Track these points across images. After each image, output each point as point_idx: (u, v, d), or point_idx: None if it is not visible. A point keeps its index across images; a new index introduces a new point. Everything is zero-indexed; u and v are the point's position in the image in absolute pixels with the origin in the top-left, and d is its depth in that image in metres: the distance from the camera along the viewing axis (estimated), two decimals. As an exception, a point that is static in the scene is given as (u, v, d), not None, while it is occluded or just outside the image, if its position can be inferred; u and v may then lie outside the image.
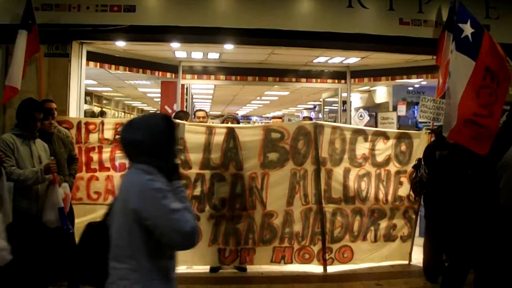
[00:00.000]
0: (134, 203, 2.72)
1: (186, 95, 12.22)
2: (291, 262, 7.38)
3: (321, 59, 10.94)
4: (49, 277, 5.73)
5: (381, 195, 7.56)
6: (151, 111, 8.35)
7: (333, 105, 15.30)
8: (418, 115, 8.26)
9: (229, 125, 7.50)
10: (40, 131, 5.83)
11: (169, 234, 2.69)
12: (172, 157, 3.00)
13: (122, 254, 2.78)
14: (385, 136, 7.60)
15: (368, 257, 7.62)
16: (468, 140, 5.89)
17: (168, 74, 11.08)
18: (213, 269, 7.21)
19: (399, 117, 12.55)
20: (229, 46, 9.28)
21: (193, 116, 11.79)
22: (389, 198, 7.59)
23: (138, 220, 2.71)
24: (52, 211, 5.44)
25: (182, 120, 7.41)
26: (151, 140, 2.84)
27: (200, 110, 9.11)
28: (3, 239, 3.92)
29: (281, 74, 11.80)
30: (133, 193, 2.75)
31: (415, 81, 12.51)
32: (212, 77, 11.61)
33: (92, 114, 15.82)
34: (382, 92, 14.45)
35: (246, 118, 37.76)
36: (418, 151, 7.47)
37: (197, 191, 7.06)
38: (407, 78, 11.15)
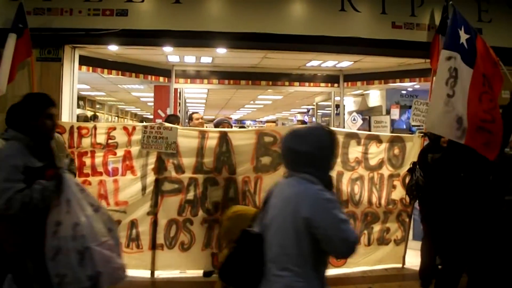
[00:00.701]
0: (306, 212, 2.82)
1: (179, 99, 12.21)
2: (285, 266, 7.34)
3: (314, 63, 10.95)
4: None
5: (374, 199, 7.55)
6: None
7: (326, 109, 15.33)
8: (411, 118, 8.27)
9: (222, 129, 7.50)
10: None
11: (337, 243, 2.82)
12: (331, 168, 3.12)
13: (288, 262, 2.88)
14: (378, 139, 7.60)
15: (362, 261, 7.58)
16: (480, 146, 5.87)
17: (161, 78, 11.06)
18: (206, 274, 7.17)
19: (392, 121, 12.58)
20: (221, 50, 9.27)
21: (186, 119, 11.80)
22: (382, 201, 7.58)
23: (308, 229, 2.83)
24: None
25: (173, 124, 7.40)
26: (319, 152, 2.96)
27: (196, 112, 9.14)
28: (118, 255, 3.87)
29: (274, 78, 11.81)
30: (305, 202, 2.85)
31: (408, 85, 12.55)
32: (205, 81, 11.60)
33: (86, 119, 15.79)
34: (375, 96, 14.48)
35: (240, 122, 37.79)
36: (411, 155, 7.48)
37: (190, 195, 7.04)
38: (400, 82, 11.16)
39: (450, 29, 6.73)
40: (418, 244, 7.38)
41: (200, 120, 8.63)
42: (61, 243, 3.57)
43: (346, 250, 2.87)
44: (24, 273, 3.66)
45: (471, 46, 6.46)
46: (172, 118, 8.19)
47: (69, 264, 3.52)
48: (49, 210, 3.65)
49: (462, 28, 6.60)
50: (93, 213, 3.82)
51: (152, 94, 12.21)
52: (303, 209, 2.83)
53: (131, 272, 7.00)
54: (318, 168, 2.96)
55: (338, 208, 2.89)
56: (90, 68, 9.24)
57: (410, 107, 10.65)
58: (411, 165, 7.14)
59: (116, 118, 25.46)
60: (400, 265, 7.74)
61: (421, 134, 7.66)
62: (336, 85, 11.88)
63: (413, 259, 7.60)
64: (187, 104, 20.09)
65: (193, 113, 9.07)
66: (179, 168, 7.03)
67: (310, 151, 2.93)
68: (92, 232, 3.69)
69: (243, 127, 14.17)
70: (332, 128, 3.12)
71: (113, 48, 8.92)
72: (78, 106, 13.60)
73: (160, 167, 7.01)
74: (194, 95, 17.92)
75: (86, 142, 6.99)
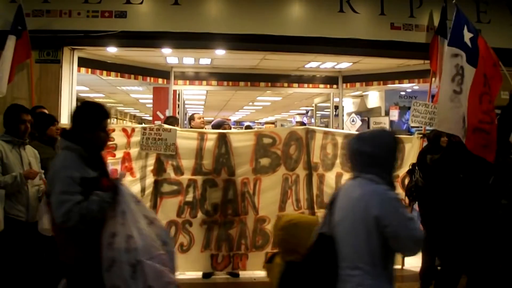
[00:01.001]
0: (376, 211, 2.93)
1: (178, 100, 12.22)
2: (284, 268, 7.33)
3: (313, 64, 10.96)
4: (42, 283, 5.73)
5: (373, 200, 7.53)
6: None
7: (325, 110, 15.34)
8: (410, 119, 8.27)
9: (220, 130, 7.49)
10: (47, 137, 6.02)
11: (404, 240, 2.94)
12: (394, 169, 3.26)
13: (359, 260, 2.98)
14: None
15: (361, 262, 7.57)
16: (479, 148, 5.87)
17: (160, 80, 11.07)
18: (205, 275, 7.17)
19: (391, 122, 12.59)
20: (220, 52, 9.27)
21: (185, 121, 11.81)
22: (382, 202, 7.56)
23: (378, 228, 2.93)
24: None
25: (173, 125, 7.40)
26: (384, 154, 3.11)
27: (197, 113, 9.20)
28: (172, 270, 3.78)
29: (273, 80, 11.82)
30: (375, 201, 2.96)
31: (407, 86, 12.57)
32: (204, 82, 11.61)
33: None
34: (374, 97, 14.50)
35: (239, 123, 37.77)
36: (410, 156, 7.45)
37: (189, 197, 7.03)
38: (399, 83, 11.18)
39: (454, 27, 6.72)
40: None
41: (202, 119, 8.67)
42: (115, 255, 3.51)
43: (413, 247, 3.01)
44: (80, 283, 3.64)
45: (474, 45, 6.46)
46: (171, 120, 8.20)
47: (122, 277, 3.46)
48: (105, 221, 3.59)
49: (465, 27, 6.60)
50: (148, 225, 3.74)
51: (151, 96, 12.22)
52: (373, 208, 2.93)
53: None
54: (382, 169, 3.08)
55: (404, 207, 3.03)
56: (89, 69, 9.26)
57: (409, 108, 10.67)
58: (410, 167, 7.13)
59: (115, 119, 25.45)
60: (399, 266, 7.72)
61: (420, 135, 7.66)
62: (335, 86, 11.88)
63: (412, 260, 7.58)
64: (186, 106, 20.09)
65: (194, 113, 9.11)
66: (178, 170, 7.02)
67: (376, 153, 3.06)
68: (145, 245, 3.60)
69: (249, 127, 14.22)
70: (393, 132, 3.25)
71: (112, 49, 8.93)
72: (77, 108, 13.55)
73: (159, 168, 7.00)
74: (193, 96, 17.92)
75: (85, 143, 6.98)
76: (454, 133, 6.25)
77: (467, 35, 6.52)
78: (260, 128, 29.55)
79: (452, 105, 6.26)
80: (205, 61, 10.79)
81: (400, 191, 7.40)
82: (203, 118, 8.81)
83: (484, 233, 5.38)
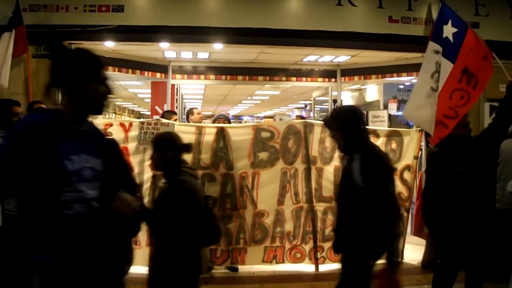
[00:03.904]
0: None
1: (177, 95, 12.19)
2: (283, 262, 7.34)
3: (311, 58, 10.93)
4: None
5: (372, 193, 7.53)
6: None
7: (324, 104, 15.31)
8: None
9: (219, 124, 7.49)
10: None
11: None
12: None
13: None
14: (375, 134, 7.56)
15: (360, 256, 7.59)
16: (434, 139, 6.02)
17: (158, 74, 11.03)
18: (204, 270, 7.18)
19: (390, 115, 12.57)
20: (218, 46, 9.24)
21: (184, 115, 11.81)
22: (380, 196, 7.56)
23: None
24: None
25: (170, 120, 7.39)
26: None
27: (195, 108, 9.21)
28: None
29: (271, 73, 11.77)
30: None
31: (406, 79, 12.51)
32: (202, 76, 11.56)
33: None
34: (372, 91, 14.46)
35: (238, 118, 37.76)
36: (409, 149, 7.45)
37: (188, 192, 7.02)
38: (398, 76, 11.14)
39: (437, 22, 6.75)
40: (416, 239, 7.39)
41: (201, 115, 8.69)
42: None
43: None
44: None
45: (458, 41, 6.44)
46: (167, 115, 8.18)
47: None
48: None
49: (449, 22, 6.58)
50: None
51: (149, 90, 12.19)
52: None
53: (128, 269, 7.02)
54: None
55: None
56: (87, 64, 9.20)
57: (407, 101, 10.65)
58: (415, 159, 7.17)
59: (114, 114, 25.42)
60: (398, 260, 7.72)
61: (419, 128, 7.65)
62: (333, 80, 11.84)
63: (412, 254, 7.60)
64: (185, 100, 20.06)
65: (193, 108, 9.11)
66: (176, 164, 7.02)
67: None
68: None
69: (227, 121, 14.02)
70: None
71: (109, 44, 8.89)
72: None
73: (157, 163, 7.00)
74: (191, 91, 17.88)
75: (83, 139, 6.97)
76: (424, 128, 6.31)
77: (450, 30, 6.51)
78: (259, 122, 29.58)
79: (427, 101, 6.30)
80: (203, 55, 10.76)
81: (399, 184, 7.41)
82: (201, 113, 8.82)
83: (483, 226, 5.38)
